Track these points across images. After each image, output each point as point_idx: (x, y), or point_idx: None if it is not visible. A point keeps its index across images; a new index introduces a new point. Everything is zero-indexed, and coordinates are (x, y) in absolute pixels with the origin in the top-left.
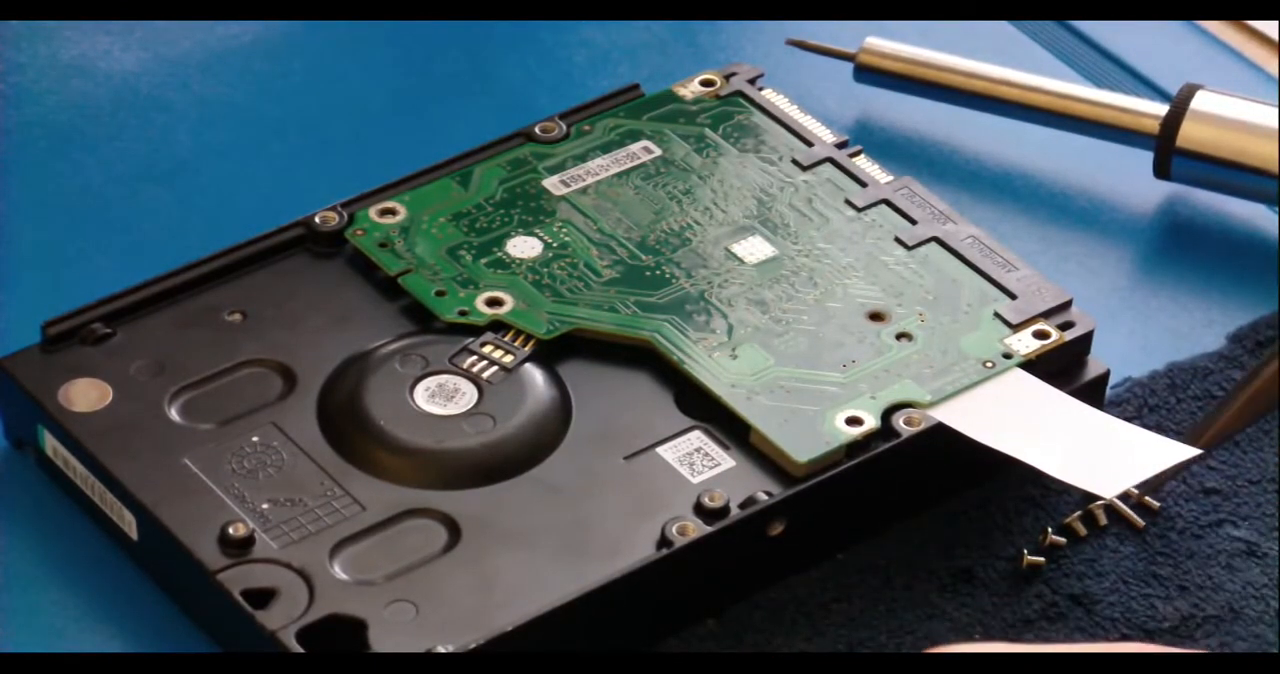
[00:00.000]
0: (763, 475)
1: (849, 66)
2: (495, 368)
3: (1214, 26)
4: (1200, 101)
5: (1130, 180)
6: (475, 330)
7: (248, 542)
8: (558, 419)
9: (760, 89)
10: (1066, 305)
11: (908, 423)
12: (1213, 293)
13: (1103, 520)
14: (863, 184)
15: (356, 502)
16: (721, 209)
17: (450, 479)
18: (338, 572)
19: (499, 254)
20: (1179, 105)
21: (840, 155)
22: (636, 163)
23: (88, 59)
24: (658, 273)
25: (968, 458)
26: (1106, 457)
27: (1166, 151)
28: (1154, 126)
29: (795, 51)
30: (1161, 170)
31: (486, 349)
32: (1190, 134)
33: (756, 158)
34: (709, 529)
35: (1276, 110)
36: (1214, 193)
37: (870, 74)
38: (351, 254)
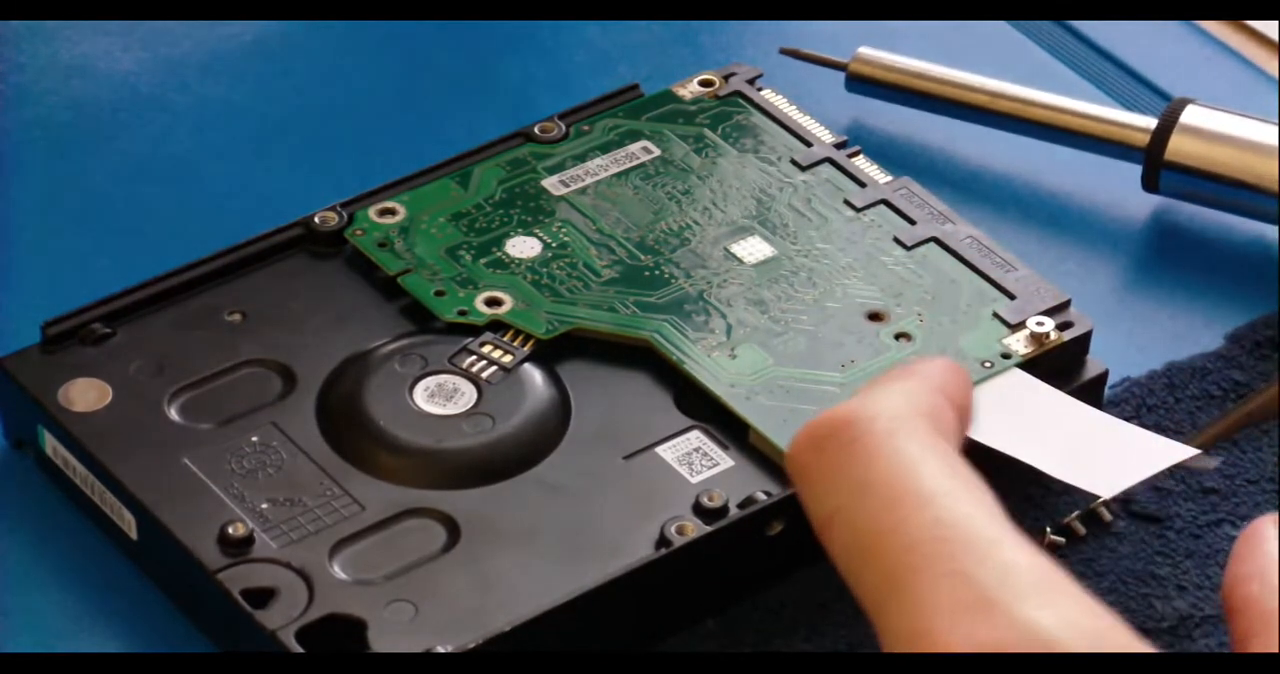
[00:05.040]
0: (762, 475)
1: None
2: (494, 368)
3: (1214, 26)
4: (1190, 116)
5: (1129, 183)
6: (475, 330)
7: (247, 541)
8: (557, 419)
9: (759, 89)
10: (1065, 305)
11: None
12: (1211, 293)
13: (1107, 517)
14: (861, 184)
15: (356, 502)
16: (720, 209)
17: (450, 479)
18: (337, 571)
19: (498, 254)
20: (1168, 119)
21: (839, 155)
22: (635, 163)
23: (88, 59)
24: (657, 273)
25: (967, 458)
26: (1106, 456)
27: (1155, 166)
28: (1143, 140)
29: None
30: (1150, 183)
31: (486, 349)
32: (1179, 148)
33: (755, 158)
34: (708, 529)
35: (1267, 126)
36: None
37: (862, 84)
38: (351, 254)
